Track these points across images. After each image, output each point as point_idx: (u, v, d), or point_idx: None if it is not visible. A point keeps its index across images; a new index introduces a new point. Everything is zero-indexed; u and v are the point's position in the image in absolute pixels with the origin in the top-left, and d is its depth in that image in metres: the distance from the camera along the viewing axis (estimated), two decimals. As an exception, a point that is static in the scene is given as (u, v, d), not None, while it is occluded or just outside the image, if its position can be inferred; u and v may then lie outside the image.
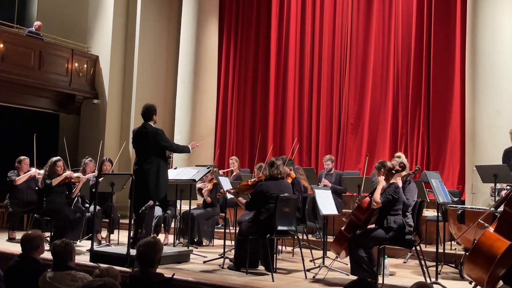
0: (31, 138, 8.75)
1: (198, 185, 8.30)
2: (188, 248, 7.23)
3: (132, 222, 6.57)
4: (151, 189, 6.55)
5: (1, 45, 10.77)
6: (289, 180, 6.87)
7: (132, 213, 6.58)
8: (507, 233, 4.67)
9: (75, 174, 7.91)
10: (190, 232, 7.98)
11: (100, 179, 7.39)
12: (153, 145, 6.64)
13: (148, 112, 6.80)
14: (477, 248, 4.73)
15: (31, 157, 8.55)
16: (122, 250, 6.37)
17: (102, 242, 7.97)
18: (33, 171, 8.40)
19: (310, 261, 6.67)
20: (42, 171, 8.01)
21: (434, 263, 5.94)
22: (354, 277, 5.26)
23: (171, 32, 13.00)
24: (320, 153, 11.01)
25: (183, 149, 7.09)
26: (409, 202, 5.83)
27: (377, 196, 5.51)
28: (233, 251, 6.67)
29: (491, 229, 4.80)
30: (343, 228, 5.84)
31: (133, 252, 5.48)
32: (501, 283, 4.78)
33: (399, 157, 6.68)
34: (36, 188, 8.15)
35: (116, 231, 8.31)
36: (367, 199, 5.72)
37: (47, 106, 12.08)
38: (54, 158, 7.79)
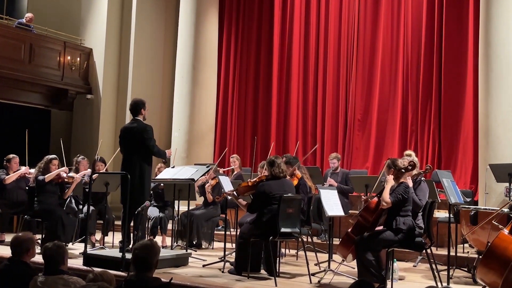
0: (21, 135, 8.74)
1: (202, 180, 8.24)
2: (186, 251, 7.23)
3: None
4: (136, 190, 6.53)
5: (-10, 37, 10.79)
6: (295, 181, 6.86)
7: (126, 216, 6.56)
8: (523, 235, 4.67)
9: (69, 174, 7.93)
10: (188, 234, 7.98)
11: (94, 176, 7.38)
12: (139, 142, 6.64)
13: (136, 106, 6.82)
14: (491, 251, 4.73)
15: (22, 154, 8.54)
16: (117, 253, 6.39)
17: (96, 244, 7.99)
18: (23, 169, 8.40)
19: (315, 264, 6.67)
20: (32, 170, 8.01)
21: (446, 267, 5.95)
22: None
23: (168, 24, 12.98)
24: (325, 151, 11.00)
25: (159, 153, 6.94)
26: (421, 202, 5.83)
27: (386, 195, 5.51)
28: (233, 254, 6.68)
29: (506, 231, 4.79)
30: (349, 230, 5.83)
31: (128, 255, 5.48)
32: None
33: (409, 155, 6.67)
34: (27, 187, 8.13)
35: (110, 233, 8.30)
36: (375, 199, 5.72)
37: (38, 102, 12.07)
38: (50, 156, 7.80)
